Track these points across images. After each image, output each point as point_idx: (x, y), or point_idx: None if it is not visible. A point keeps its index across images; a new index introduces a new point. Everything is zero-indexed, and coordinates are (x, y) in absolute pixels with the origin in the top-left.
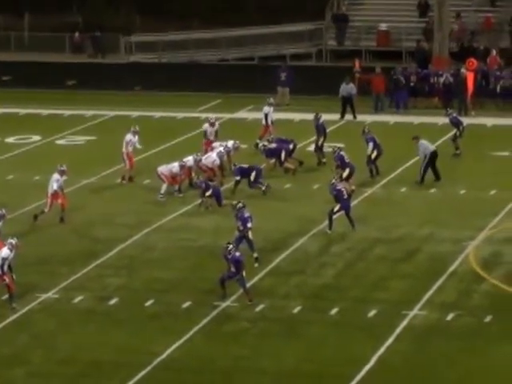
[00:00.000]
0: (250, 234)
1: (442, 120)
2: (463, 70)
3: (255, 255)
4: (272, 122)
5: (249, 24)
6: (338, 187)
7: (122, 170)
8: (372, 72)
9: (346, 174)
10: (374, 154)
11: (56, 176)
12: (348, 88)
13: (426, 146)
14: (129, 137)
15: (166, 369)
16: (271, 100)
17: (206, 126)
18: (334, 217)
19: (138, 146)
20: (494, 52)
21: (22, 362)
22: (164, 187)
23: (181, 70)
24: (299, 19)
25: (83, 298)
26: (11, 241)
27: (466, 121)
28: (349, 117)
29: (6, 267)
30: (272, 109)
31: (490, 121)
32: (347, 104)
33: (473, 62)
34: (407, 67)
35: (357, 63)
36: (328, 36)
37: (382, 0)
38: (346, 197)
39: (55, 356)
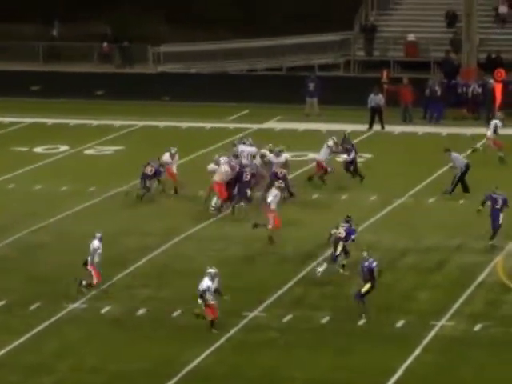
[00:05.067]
0: None
1: (471, 130)
2: (491, 81)
3: None
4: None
5: (275, 34)
6: None
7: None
8: (400, 83)
9: None
10: (351, 158)
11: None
12: (376, 99)
13: (460, 158)
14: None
15: (194, 378)
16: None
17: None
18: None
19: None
20: None
21: (49, 370)
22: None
23: (209, 80)
24: (327, 29)
25: (111, 308)
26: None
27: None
28: (377, 127)
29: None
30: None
31: None
32: (376, 114)
33: (501, 72)
34: (431, 78)
35: (385, 74)
36: (356, 46)
37: (410, 10)
38: None
39: (83, 365)
